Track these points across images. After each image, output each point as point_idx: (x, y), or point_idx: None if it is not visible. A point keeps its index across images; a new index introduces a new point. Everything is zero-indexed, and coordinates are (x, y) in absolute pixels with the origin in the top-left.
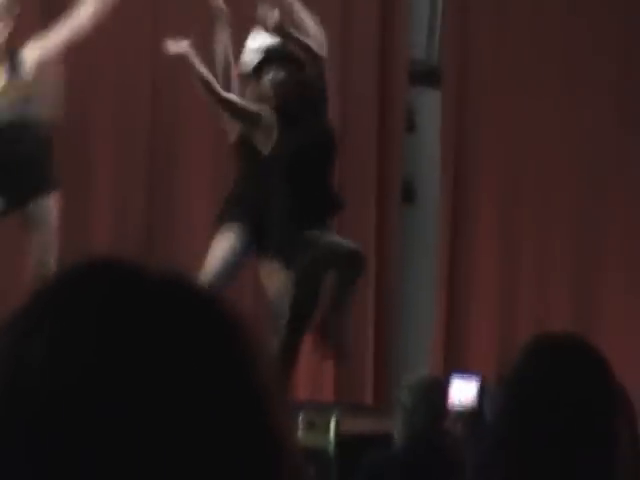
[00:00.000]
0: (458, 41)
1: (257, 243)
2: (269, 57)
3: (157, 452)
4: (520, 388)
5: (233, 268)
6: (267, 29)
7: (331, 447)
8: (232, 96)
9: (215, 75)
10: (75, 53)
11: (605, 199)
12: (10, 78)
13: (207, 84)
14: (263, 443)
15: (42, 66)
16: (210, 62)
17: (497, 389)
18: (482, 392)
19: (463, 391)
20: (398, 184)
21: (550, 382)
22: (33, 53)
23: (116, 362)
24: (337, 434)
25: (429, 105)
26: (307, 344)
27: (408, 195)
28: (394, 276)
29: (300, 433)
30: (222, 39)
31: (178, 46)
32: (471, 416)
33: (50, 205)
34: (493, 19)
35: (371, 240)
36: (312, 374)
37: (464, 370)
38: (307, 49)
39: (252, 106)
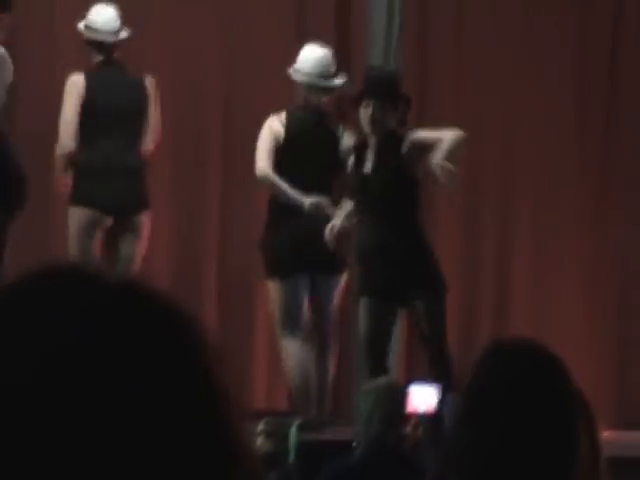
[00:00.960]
0: (416, 45)
1: None
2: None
3: (110, 460)
4: (475, 393)
5: None
6: None
7: (291, 455)
8: None
9: None
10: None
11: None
12: None
13: None
14: (219, 449)
15: None
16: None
17: (456, 395)
18: (442, 399)
19: (424, 398)
20: None
21: (504, 387)
22: None
23: (66, 366)
24: (297, 441)
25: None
26: (262, 355)
27: None
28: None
29: (259, 441)
30: None
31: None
32: (431, 422)
33: (145, 221)
34: (450, 22)
35: None
36: (267, 384)
37: (426, 378)
38: None
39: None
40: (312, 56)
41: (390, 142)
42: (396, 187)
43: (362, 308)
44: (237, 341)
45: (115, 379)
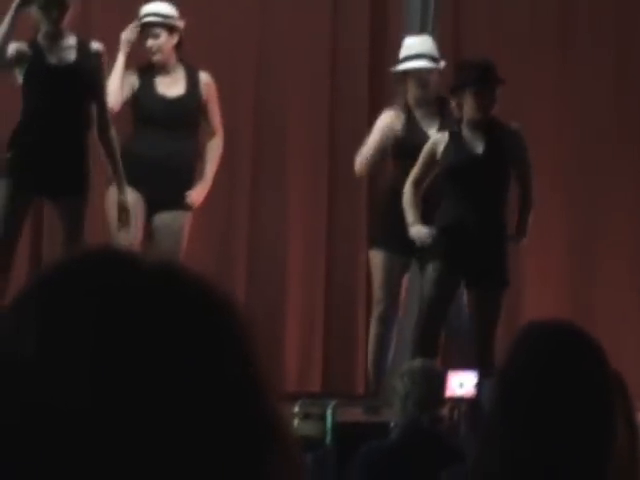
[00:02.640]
0: (450, 39)
1: None
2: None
3: (153, 445)
4: (508, 377)
5: None
6: None
7: (328, 437)
8: None
9: None
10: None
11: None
12: None
13: None
14: (256, 431)
15: None
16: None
17: (493, 379)
18: (481, 383)
19: (462, 383)
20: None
21: (538, 369)
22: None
23: (110, 356)
24: (333, 424)
25: None
26: (294, 337)
27: None
28: None
29: (296, 423)
30: None
31: None
32: (470, 407)
33: (187, 220)
34: (486, 16)
35: (362, 231)
36: (300, 366)
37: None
38: None
39: None
40: (418, 41)
41: (497, 128)
42: (504, 174)
43: (431, 275)
44: (269, 323)
45: (152, 360)
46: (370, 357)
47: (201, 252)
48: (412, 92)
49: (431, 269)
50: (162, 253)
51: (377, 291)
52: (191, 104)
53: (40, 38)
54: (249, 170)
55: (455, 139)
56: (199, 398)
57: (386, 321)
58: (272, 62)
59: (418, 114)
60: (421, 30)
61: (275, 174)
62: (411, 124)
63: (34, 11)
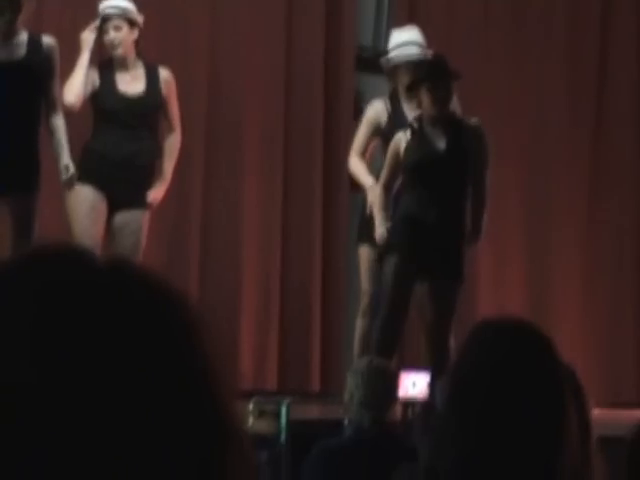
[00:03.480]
0: (406, 25)
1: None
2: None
3: (104, 442)
4: (460, 376)
5: None
6: None
7: (282, 434)
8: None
9: None
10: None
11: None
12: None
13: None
14: (208, 427)
15: None
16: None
17: (446, 377)
18: (434, 384)
19: (415, 383)
20: (346, 172)
21: (490, 367)
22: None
23: (55, 350)
24: (288, 421)
25: (377, 92)
26: (249, 336)
27: (356, 183)
28: (341, 261)
29: (251, 421)
30: None
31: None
32: (423, 407)
33: (145, 219)
34: (441, 1)
35: (318, 228)
36: (256, 363)
37: (419, 364)
38: None
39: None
40: (406, 31)
41: (457, 124)
42: (465, 169)
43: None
44: (223, 320)
45: (103, 357)
46: (355, 352)
47: (154, 248)
48: (402, 82)
49: (389, 262)
50: (122, 251)
51: (363, 284)
52: (151, 102)
53: None
54: (202, 166)
55: (416, 136)
56: (152, 396)
57: (371, 314)
58: (226, 53)
59: (406, 105)
60: (375, 29)
61: (230, 170)
62: (398, 115)
63: None
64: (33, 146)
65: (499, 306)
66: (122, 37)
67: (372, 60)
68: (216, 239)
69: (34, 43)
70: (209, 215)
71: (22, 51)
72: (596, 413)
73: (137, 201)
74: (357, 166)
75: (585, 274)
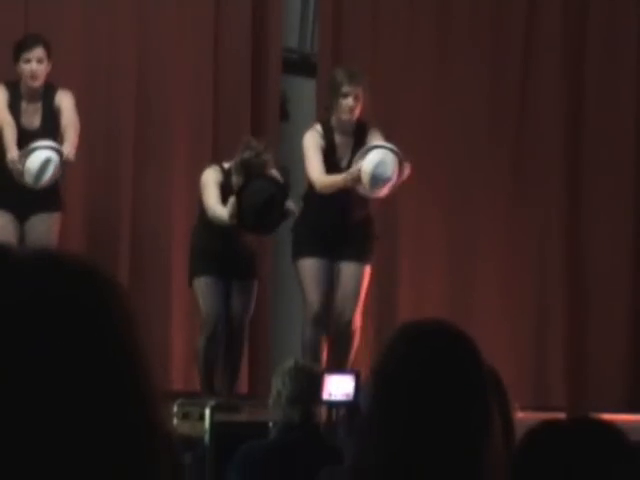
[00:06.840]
0: (331, 28)
1: None
2: None
3: (25, 438)
4: (383, 378)
5: None
6: None
7: (207, 436)
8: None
9: None
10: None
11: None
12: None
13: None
14: (136, 425)
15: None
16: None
17: (369, 378)
18: (358, 386)
19: (340, 385)
20: None
21: (412, 369)
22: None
23: None
24: (212, 423)
25: (303, 93)
26: (179, 338)
27: None
28: (268, 263)
29: (175, 423)
30: None
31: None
32: (347, 410)
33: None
34: (367, 5)
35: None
36: (184, 365)
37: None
38: None
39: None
40: None
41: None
42: None
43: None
44: (153, 322)
45: (28, 344)
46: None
47: (85, 247)
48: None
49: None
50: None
51: (310, 295)
52: (48, 136)
53: None
54: (131, 168)
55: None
56: (76, 384)
57: (320, 323)
58: (153, 54)
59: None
60: (301, 31)
61: (159, 171)
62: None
63: None
64: None
65: (419, 309)
66: (44, 69)
67: (298, 62)
68: (145, 238)
69: None
70: (138, 225)
71: None
72: (520, 416)
73: (43, 205)
74: (327, 177)
75: (508, 278)
